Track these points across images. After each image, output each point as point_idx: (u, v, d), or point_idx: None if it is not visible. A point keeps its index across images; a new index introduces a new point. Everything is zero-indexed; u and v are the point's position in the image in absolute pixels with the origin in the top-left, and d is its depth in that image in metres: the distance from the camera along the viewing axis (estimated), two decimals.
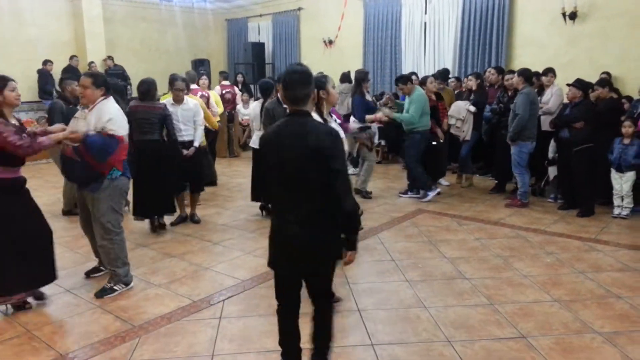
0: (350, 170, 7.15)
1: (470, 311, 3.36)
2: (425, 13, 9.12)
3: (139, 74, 10.37)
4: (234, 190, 6.92)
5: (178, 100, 5.04)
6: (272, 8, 11.79)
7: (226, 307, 3.45)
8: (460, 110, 6.67)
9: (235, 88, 9.47)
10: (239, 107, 9.57)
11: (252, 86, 10.94)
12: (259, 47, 11.71)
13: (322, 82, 3.21)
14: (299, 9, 11.26)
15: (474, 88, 6.85)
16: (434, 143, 6.28)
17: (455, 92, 7.53)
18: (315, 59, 10.49)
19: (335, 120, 3.52)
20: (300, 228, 2.28)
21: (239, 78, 10.28)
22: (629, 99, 6.27)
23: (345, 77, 8.01)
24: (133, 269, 3.93)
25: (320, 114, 3.17)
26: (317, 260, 2.36)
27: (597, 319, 3.24)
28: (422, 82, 6.55)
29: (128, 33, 11.70)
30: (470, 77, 7.01)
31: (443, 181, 7.16)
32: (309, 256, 2.33)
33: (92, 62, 10.30)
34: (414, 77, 6.91)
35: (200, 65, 11.02)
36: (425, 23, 9.17)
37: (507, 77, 6.55)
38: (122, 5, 11.55)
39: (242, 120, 9.40)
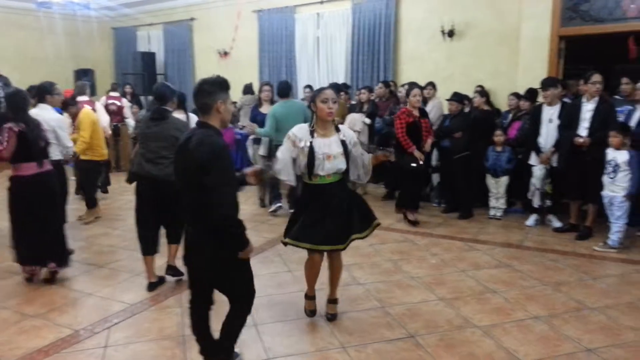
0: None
1: (364, 315, 3.47)
2: (318, 28, 9.37)
3: (12, 84, 9.51)
4: (123, 209, 6.55)
5: None
6: (163, 17, 11.40)
7: (112, 335, 3.24)
8: (356, 123, 6.91)
9: (124, 100, 8.98)
10: (129, 120, 9.10)
11: (142, 98, 10.48)
12: (149, 57, 11.25)
13: (312, 95, 3.29)
14: (192, 19, 11.02)
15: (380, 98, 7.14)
16: (413, 165, 5.51)
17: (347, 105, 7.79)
18: (210, 70, 10.25)
19: (340, 134, 3.21)
20: (190, 226, 2.56)
21: (127, 89, 9.78)
22: (499, 110, 6.90)
23: (247, 89, 7.99)
24: (4, 300, 3.57)
25: (315, 128, 3.17)
26: (201, 257, 2.49)
27: (476, 314, 3.51)
28: (406, 94, 5.67)
29: (2, 41, 10.68)
30: (362, 91, 7.30)
31: None
32: (195, 252, 2.53)
33: None
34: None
35: (84, 76, 10.33)
36: (318, 37, 9.42)
37: (400, 89, 6.94)
38: None
39: (134, 133, 8.94)
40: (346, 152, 3.16)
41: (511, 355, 2.95)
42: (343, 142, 3.16)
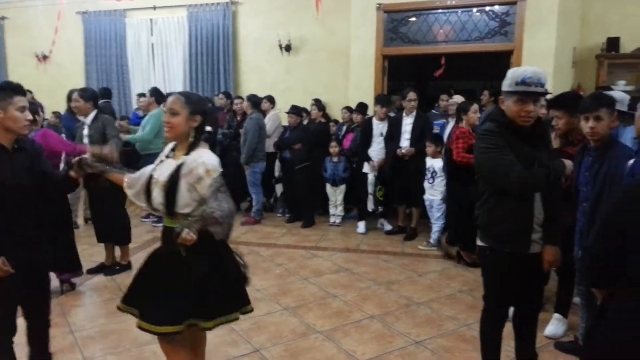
0: None
1: (207, 336, 3.34)
2: (152, 34, 8.93)
3: None
4: None
5: None
6: None
7: None
8: None
9: None
10: None
11: None
12: None
13: None
14: (3, 18, 9.67)
15: None
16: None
17: None
18: (26, 74, 9.14)
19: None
20: None
21: None
22: (336, 122, 7.31)
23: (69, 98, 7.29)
24: None
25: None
26: None
27: (318, 320, 3.63)
28: (462, 111, 4.69)
29: None
30: None
31: None
32: None
33: None
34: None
35: None
36: (152, 44, 8.98)
37: (235, 101, 6.92)
38: None
39: None
40: (172, 183, 2.18)
41: (350, 356, 3.11)
42: (178, 168, 2.22)
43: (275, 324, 3.55)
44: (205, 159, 2.21)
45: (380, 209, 6.07)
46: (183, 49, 8.73)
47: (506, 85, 2.32)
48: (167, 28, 8.79)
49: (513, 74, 2.29)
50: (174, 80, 8.87)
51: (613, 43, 6.31)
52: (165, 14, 8.77)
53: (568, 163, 2.58)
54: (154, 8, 8.75)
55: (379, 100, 5.85)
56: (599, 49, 6.44)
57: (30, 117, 2.39)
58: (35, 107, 3.90)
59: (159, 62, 8.97)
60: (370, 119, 5.96)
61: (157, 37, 8.90)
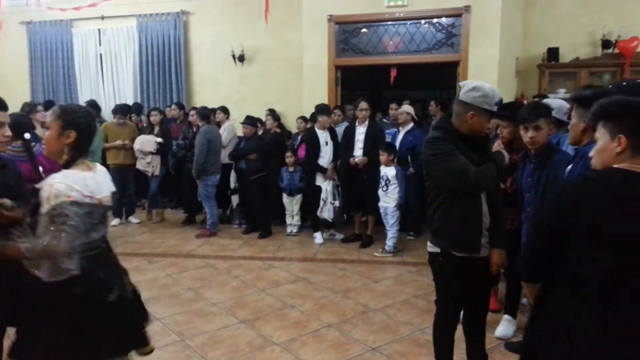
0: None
1: (161, 353, 3.28)
2: (100, 45, 8.71)
3: None
4: None
5: None
6: None
7: None
8: (149, 144, 6.63)
9: None
10: None
11: None
12: None
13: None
14: None
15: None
16: None
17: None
18: None
19: None
20: None
21: None
22: (289, 135, 7.32)
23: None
24: None
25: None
26: None
27: (275, 331, 3.61)
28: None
29: None
30: (154, 112, 7.00)
31: (133, 219, 6.92)
32: None
33: None
34: None
35: None
36: (101, 54, 8.76)
37: (191, 112, 6.84)
38: None
39: None
40: (35, 211, 1.95)
41: None
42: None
43: (232, 338, 3.51)
44: (56, 182, 1.87)
45: (344, 216, 6.10)
46: (133, 60, 8.57)
47: (485, 103, 2.39)
48: (116, 38, 8.61)
49: (492, 94, 2.40)
50: (124, 91, 8.70)
51: (553, 53, 6.65)
52: (114, 24, 8.59)
53: (506, 154, 2.72)
54: (102, 18, 8.54)
55: (321, 110, 5.87)
56: (540, 59, 6.77)
57: (8, 133, 2.23)
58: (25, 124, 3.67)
59: (108, 72, 8.76)
60: (313, 129, 5.95)
61: (105, 47, 8.70)
